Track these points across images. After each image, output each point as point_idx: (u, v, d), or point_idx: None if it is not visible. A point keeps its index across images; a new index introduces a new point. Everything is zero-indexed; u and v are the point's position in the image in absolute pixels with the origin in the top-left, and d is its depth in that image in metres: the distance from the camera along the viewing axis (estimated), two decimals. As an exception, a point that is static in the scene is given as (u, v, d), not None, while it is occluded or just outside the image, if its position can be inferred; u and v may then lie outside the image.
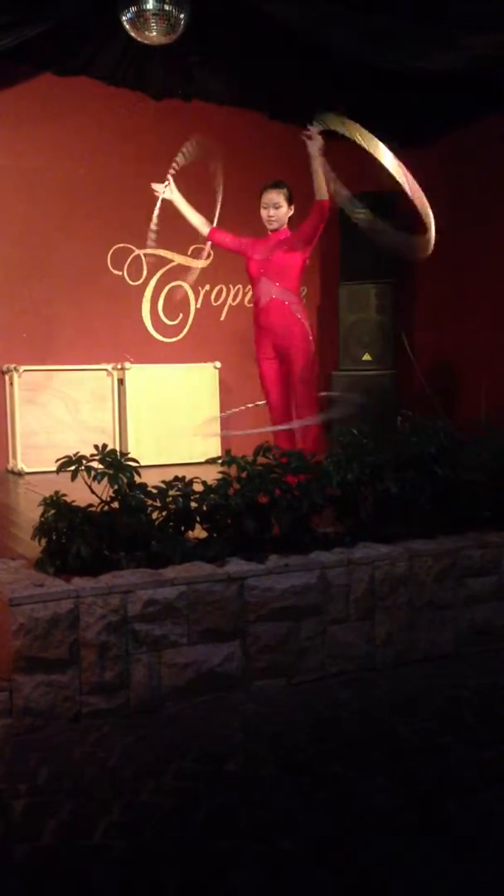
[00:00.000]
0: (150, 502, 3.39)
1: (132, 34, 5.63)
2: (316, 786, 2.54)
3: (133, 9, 5.46)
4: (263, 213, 4.70)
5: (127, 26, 5.59)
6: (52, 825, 2.32)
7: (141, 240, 6.83)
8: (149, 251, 6.60)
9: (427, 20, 5.23)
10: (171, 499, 3.42)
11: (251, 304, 4.93)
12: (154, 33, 5.54)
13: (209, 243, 5.08)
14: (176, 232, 5.47)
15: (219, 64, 6.56)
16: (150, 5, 5.39)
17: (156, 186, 4.75)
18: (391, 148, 4.29)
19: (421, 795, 2.47)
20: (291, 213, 4.72)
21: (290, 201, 4.70)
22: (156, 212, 4.78)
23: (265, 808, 2.40)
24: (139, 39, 5.65)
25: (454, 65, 5.80)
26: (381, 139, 4.27)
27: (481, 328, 6.97)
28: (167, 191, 4.74)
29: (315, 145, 4.42)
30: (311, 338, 4.72)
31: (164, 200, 4.76)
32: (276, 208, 4.67)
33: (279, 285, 4.63)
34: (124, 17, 5.55)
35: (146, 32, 5.55)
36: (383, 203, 6.72)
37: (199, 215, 4.79)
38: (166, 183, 4.73)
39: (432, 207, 4.35)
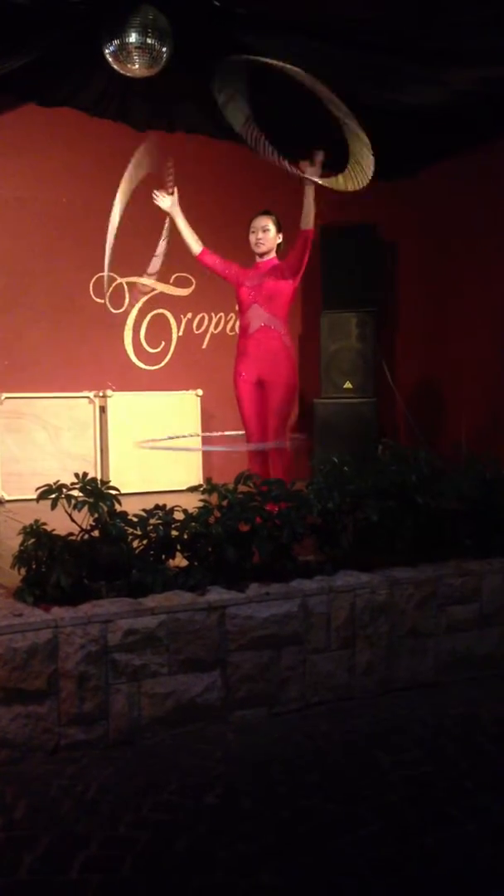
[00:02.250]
0: (130, 531, 3.38)
1: (115, 67, 5.69)
2: (297, 818, 2.51)
3: (116, 42, 5.51)
4: (252, 237, 4.73)
5: (110, 59, 5.64)
6: (28, 860, 2.29)
7: (123, 268, 6.87)
8: (137, 280, 6.61)
9: (405, 56, 5.32)
10: (151, 527, 3.41)
11: (233, 333, 4.93)
12: (137, 66, 5.59)
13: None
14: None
15: (202, 96, 6.63)
16: (132, 38, 5.44)
17: (156, 194, 4.72)
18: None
19: (403, 827, 2.45)
20: (280, 240, 4.75)
21: (278, 229, 4.74)
22: (164, 234, 4.75)
23: (245, 841, 2.37)
24: (122, 72, 5.70)
25: (434, 100, 5.90)
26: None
27: (462, 356, 7.03)
28: (169, 201, 4.73)
29: (315, 172, 4.38)
30: (296, 372, 4.73)
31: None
32: (265, 231, 4.70)
33: (269, 313, 4.65)
34: (107, 50, 5.60)
35: (129, 65, 5.60)
36: (361, 234, 6.84)
37: (193, 234, 4.77)
38: (169, 193, 4.71)
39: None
